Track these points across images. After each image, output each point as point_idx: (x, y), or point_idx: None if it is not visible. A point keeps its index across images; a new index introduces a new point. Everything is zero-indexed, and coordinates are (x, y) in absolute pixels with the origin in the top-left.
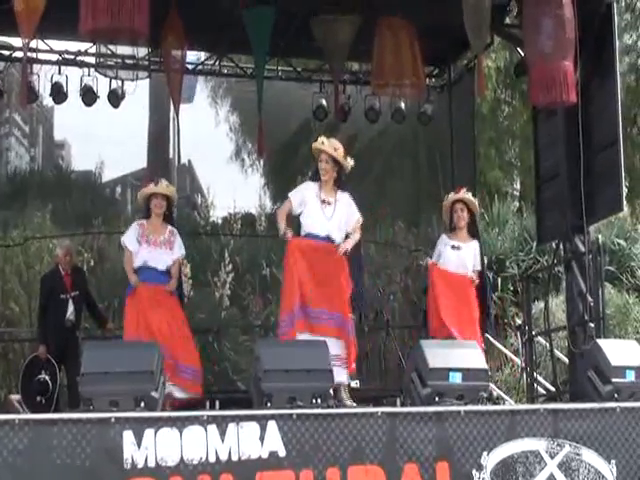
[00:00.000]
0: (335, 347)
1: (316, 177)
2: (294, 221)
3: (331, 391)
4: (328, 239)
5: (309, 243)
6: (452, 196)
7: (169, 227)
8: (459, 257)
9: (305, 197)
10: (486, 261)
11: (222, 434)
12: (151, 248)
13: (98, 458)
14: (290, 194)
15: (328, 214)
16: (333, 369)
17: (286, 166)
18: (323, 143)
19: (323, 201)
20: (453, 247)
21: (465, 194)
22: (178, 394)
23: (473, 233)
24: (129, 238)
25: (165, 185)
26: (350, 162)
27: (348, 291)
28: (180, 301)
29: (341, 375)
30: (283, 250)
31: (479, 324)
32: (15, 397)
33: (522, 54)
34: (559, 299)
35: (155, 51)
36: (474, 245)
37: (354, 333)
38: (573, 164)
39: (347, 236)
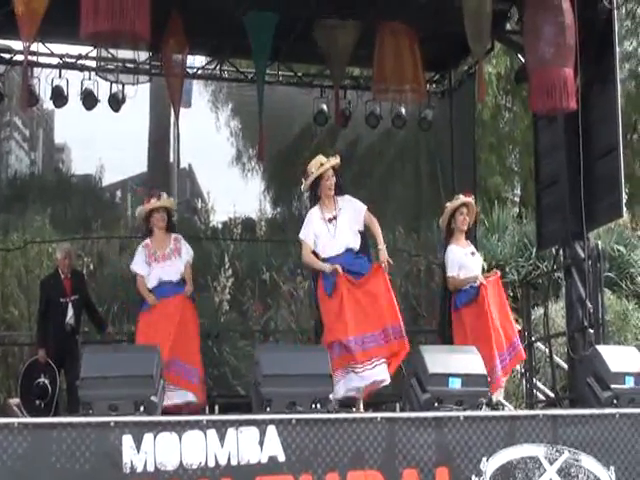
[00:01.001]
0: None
1: (315, 200)
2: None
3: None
4: (349, 251)
5: (352, 280)
6: (462, 198)
7: (173, 235)
8: (479, 262)
9: (315, 231)
10: (486, 267)
11: (221, 439)
12: (161, 264)
13: (97, 462)
14: (302, 237)
15: (333, 231)
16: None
17: (287, 171)
18: (323, 164)
19: (329, 220)
20: (472, 253)
21: (470, 198)
22: (178, 399)
23: (468, 237)
24: (138, 263)
25: (166, 198)
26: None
27: (392, 296)
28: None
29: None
30: (283, 255)
31: None
32: (14, 401)
33: (522, 60)
34: (559, 305)
35: (156, 55)
36: (474, 248)
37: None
38: (573, 170)
39: (363, 235)
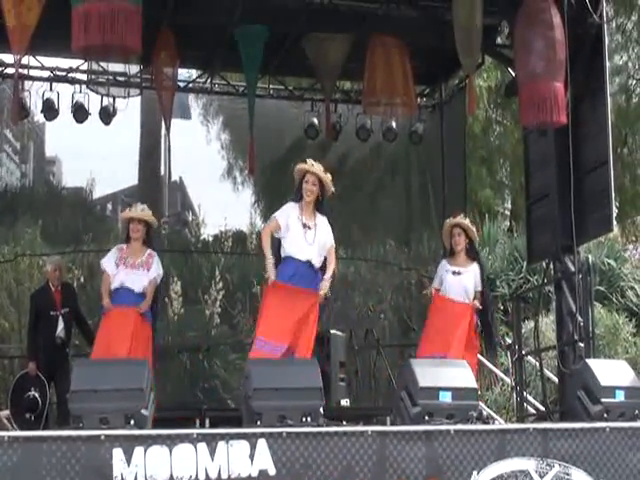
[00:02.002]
0: None
1: (298, 197)
2: (274, 241)
3: None
4: (309, 264)
5: (287, 288)
6: (450, 220)
7: (148, 250)
8: (460, 283)
9: (289, 221)
10: None
11: (212, 452)
12: (128, 270)
13: (88, 476)
14: (276, 215)
15: (310, 239)
16: None
17: (277, 184)
18: (313, 165)
19: (305, 225)
20: (454, 273)
21: (462, 219)
22: None
23: (473, 257)
24: (108, 261)
25: (140, 209)
26: (332, 189)
27: (314, 333)
28: (153, 321)
29: None
30: None
31: (477, 346)
32: (4, 414)
33: (513, 74)
34: (549, 319)
35: (147, 68)
36: (474, 268)
37: None
38: (564, 184)
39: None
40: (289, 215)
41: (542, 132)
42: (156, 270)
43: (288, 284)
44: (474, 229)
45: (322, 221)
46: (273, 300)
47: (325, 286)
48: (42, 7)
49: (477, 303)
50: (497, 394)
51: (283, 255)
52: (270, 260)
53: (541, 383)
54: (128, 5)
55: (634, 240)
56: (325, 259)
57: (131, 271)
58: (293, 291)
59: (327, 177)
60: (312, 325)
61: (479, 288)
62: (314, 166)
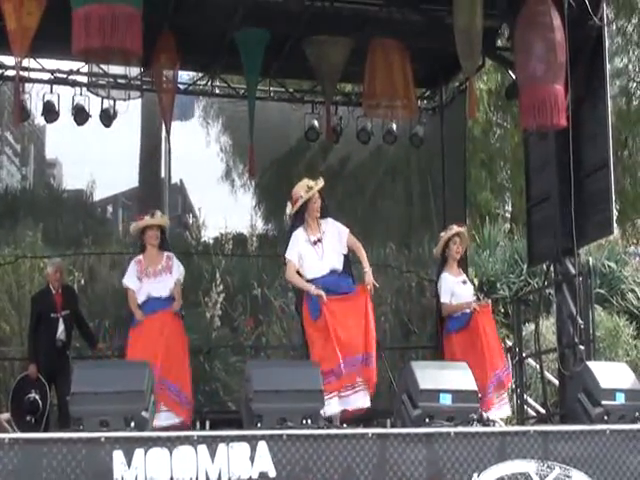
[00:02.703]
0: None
1: (300, 221)
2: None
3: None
4: (331, 273)
5: (334, 299)
6: (455, 228)
7: (165, 253)
8: (470, 290)
9: (300, 251)
10: (477, 283)
11: (212, 454)
12: (152, 279)
13: (88, 478)
14: (288, 256)
15: (320, 253)
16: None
17: (277, 187)
18: (311, 187)
19: (314, 242)
20: (464, 282)
21: (462, 228)
22: (164, 421)
23: (461, 265)
24: (130, 278)
25: (160, 216)
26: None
27: (373, 324)
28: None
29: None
30: (274, 271)
31: None
32: (5, 416)
33: (513, 77)
34: (549, 321)
35: (147, 71)
36: (466, 276)
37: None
38: (564, 187)
39: (346, 256)
40: (298, 246)
41: (542, 135)
42: (178, 270)
43: (331, 297)
44: (467, 242)
45: (327, 224)
46: (330, 318)
47: (369, 277)
48: (42, 11)
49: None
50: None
51: (306, 281)
52: (306, 284)
53: (541, 385)
54: (129, 8)
55: (635, 243)
56: (345, 257)
57: (154, 279)
58: (339, 301)
59: (321, 185)
60: (369, 320)
61: None
62: (314, 187)
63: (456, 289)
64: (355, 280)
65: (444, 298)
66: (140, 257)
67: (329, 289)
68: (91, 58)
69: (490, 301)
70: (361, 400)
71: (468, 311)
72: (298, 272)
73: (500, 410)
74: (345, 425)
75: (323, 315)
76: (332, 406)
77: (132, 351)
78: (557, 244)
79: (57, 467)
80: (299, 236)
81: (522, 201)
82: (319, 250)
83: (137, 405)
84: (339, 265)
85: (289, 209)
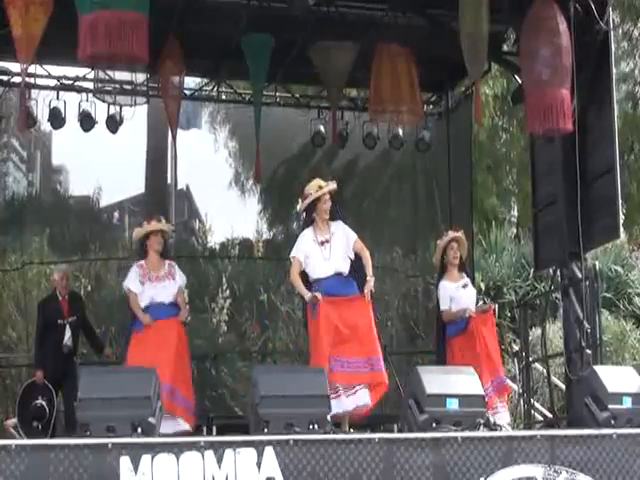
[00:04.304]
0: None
1: (308, 222)
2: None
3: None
4: (337, 275)
5: (334, 301)
6: (450, 234)
7: (167, 261)
8: (472, 293)
9: (306, 251)
10: (483, 287)
11: (219, 460)
12: (155, 284)
13: None
14: (293, 254)
15: (326, 255)
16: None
17: (284, 192)
18: (321, 187)
19: (321, 242)
20: (464, 286)
21: (458, 234)
22: (170, 428)
23: (463, 269)
24: (131, 281)
25: (164, 222)
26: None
27: (375, 328)
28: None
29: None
30: (280, 276)
31: None
32: (12, 422)
33: (519, 81)
34: (556, 325)
35: (153, 77)
36: (468, 280)
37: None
38: (570, 191)
39: (352, 261)
40: (304, 245)
41: (549, 139)
42: (181, 278)
43: (328, 296)
44: (466, 246)
45: (337, 226)
46: (323, 317)
47: (369, 285)
48: (48, 17)
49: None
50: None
51: (311, 281)
52: (305, 290)
53: (548, 390)
54: (135, 14)
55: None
56: (352, 262)
57: (158, 284)
58: (336, 302)
59: (334, 187)
60: (370, 326)
61: None
62: (325, 187)
63: (455, 294)
64: (360, 287)
65: (443, 305)
66: (142, 262)
67: (331, 292)
68: (97, 64)
69: (494, 305)
70: (361, 399)
71: (466, 316)
72: (303, 273)
73: (497, 415)
74: (352, 430)
75: (319, 315)
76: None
77: (136, 355)
78: (563, 248)
79: (64, 473)
80: (307, 235)
81: (528, 206)
82: (325, 251)
83: (144, 411)
84: (344, 269)
85: (299, 206)
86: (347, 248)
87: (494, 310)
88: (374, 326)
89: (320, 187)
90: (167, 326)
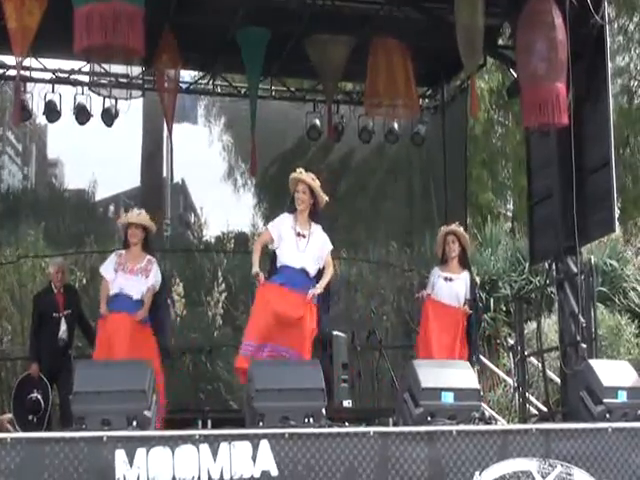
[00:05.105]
0: None
1: (292, 208)
2: (267, 252)
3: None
4: (303, 271)
5: (279, 290)
6: (445, 228)
7: (147, 256)
8: (451, 288)
9: (282, 231)
10: (479, 281)
11: (214, 453)
12: (127, 276)
13: (90, 477)
14: (269, 226)
15: (302, 247)
16: None
17: (279, 186)
18: (301, 173)
19: (298, 234)
20: (446, 279)
21: (457, 227)
22: None
23: (464, 264)
24: (106, 267)
25: (137, 214)
26: (325, 197)
27: (311, 336)
28: (163, 324)
29: None
30: None
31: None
32: (7, 416)
33: (515, 75)
34: (551, 320)
35: (149, 70)
36: (465, 276)
37: None
38: (566, 185)
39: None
40: (282, 225)
41: (544, 133)
42: (155, 277)
43: (279, 286)
44: (467, 237)
45: (317, 229)
46: (260, 302)
47: (314, 291)
48: (43, 10)
49: (467, 308)
50: (499, 395)
51: (278, 265)
52: (255, 265)
53: (543, 384)
54: (130, 7)
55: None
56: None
57: (130, 277)
58: (283, 292)
59: (317, 185)
60: (307, 326)
61: (468, 296)
62: (303, 174)
63: (436, 282)
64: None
65: (427, 289)
66: (122, 251)
67: (287, 282)
68: (93, 57)
69: (468, 309)
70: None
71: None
72: (274, 254)
73: None
74: (347, 424)
75: (262, 298)
76: None
77: (99, 346)
78: (559, 242)
79: (59, 466)
80: (286, 219)
81: (524, 200)
82: (301, 244)
83: (139, 404)
84: (311, 270)
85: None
86: (319, 255)
87: (465, 311)
88: (311, 329)
89: (296, 174)
90: (120, 319)
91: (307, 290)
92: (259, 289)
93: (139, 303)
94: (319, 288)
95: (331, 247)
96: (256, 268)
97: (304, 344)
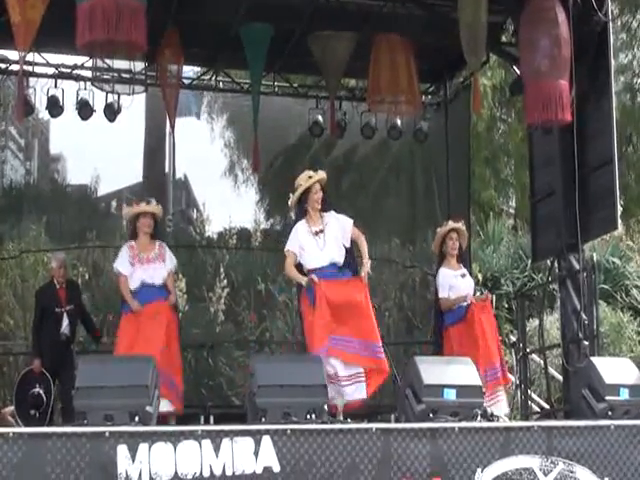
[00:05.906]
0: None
1: (301, 215)
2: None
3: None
4: (331, 265)
5: (331, 282)
6: (450, 224)
7: (158, 242)
8: (470, 283)
9: (301, 242)
10: (481, 278)
11: (216, 449)
12: (145, 266)
13: (92, 472)
14: (288, 248)
15: (321, 244)
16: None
17: (281, 182)
18: (311, 177)
19: (315, 232)
20: (462, 275)
21: (461, 225)
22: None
23: (460, 261)
24: (121, 262)
25: (154, 204)
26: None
27: (373, 312)
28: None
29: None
30: (278, 266)
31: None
32: (9, 410)
33: (518, 72)
34: (554, 317)
35: (152, 65)
36: (466, 270)
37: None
38: (568, 182)
39: (347, 251)
40: (298, 237)
41: (547, 130)
42: (171, 259)
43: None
44: (467, 236)
45: (329, 217)
46: (320, 298)
47: (365, 269)
48: (46, 4)
49: (488, 294)
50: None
51: (306, 271)
52: (300, 276)
53: (545, 381)
54: (133, 2)
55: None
56: (348, 251)
57: (148, 266)
58: (333, 282)
59: (324, 176)
60: (368, 306)
61: None
62: (312, 177)
63: (454, 282)
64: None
65: (442, 293)
66: (132, 243)
67: (326, 278)
68: (96, 52)
69: (491, 295)
70: (358, 393)
71: (465, 304)
72: (299, 266)
73: (493, 407)
74: (349, 420)
75: (315, 296)
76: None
77: (126, 340)
78: (561, 240)
79: (61, 461)
80: (300, 228)
81: (526, 197)
82: (320, 241)
83: (141, 400)
84: (339, 258)
85: (291, 200)
86: (342, 237)
87: (491, 300)
88: (371, 308)
89: (310, 177)
90: (156, 311)
91: (348, 275)
92: (317, 289)
93: (163, 289)
94: (366, 265)
95: (351, 222)
96: (303, 277)
97: (372, 328)
